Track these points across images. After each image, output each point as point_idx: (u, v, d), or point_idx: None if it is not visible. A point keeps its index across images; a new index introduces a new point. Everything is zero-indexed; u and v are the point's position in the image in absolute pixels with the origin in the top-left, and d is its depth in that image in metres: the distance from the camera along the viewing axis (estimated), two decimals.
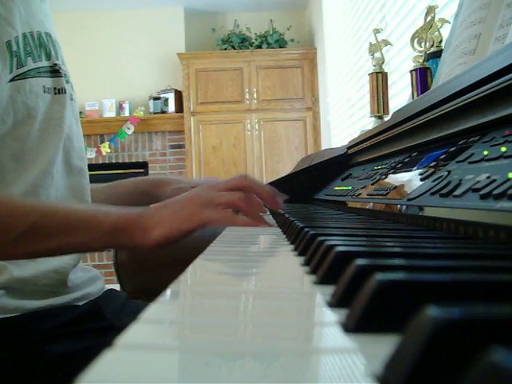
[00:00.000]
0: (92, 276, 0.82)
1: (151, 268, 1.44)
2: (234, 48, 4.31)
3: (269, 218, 0.93)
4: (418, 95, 1.15)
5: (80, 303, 0.76)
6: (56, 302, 0.72)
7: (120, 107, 4.42)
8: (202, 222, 0.62)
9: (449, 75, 0.88)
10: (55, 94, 0.74)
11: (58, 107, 0.74)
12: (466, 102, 0.65)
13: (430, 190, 0.55)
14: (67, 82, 0.78)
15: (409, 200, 0.60)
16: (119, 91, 4.46)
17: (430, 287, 0.20)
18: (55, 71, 0.75)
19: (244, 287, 0.31)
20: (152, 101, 4.35)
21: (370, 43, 1.62)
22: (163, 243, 0.61)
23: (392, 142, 1.03)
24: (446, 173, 0.56)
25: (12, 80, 0.67)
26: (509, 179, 0.41)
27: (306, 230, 0.45)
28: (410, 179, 0.69)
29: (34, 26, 0.72)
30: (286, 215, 0.72)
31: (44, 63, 0.73)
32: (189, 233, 0.62)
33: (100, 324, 0.74)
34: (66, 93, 0.76)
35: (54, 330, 0.69)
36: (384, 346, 0.17)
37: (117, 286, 1.44)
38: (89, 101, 4.39)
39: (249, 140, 4.23)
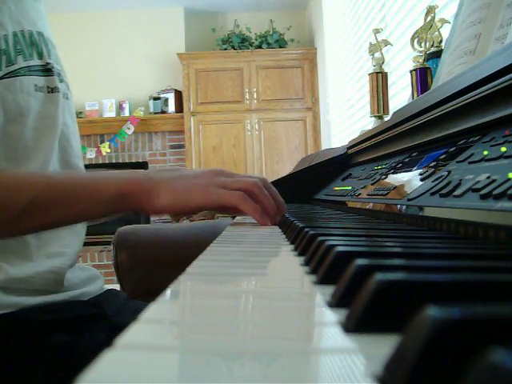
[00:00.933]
0: (91, 275, 0.82)
1: (151, 268, 1.44)
2: (234, 48, 4.31)
3: None
4: (418, 95, 1.15)
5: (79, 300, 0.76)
6: (53, 298, 0.72)
7: (120, 107, 4.42)
8: (212, 200, 0.60)
9: (449, 75, 0.88)
10: (48, 92, 0.74)
11: (51, 106, 0.74)
12: (466, 102, 0.65)
13: (430, 190, 0.55)
14: (61, 81, 0.78)
15: (409, 200, 0.60)
16: (119, 91, 4.46)
17: (430, 287, 0.20)
18: (48, 70, 0.75)
19: (244, 287, 0.31)
20: (152, 101, 4.36)
21: (370, 43, 1.62)
22: (167, 211, 0.60)
23: (392, 142, 1.03)
24: (446, 173, 0.56)
25: (1, 78, 0.67)
26: (509, 179, 0.41)
27: (306, 230, 0.45)
28: (410, 179, 0.69)
29: (25, 24, 0.72)
30: (286, 215, 0.71)
31: (36, 62, 0.73)
32: (195, 207, 0.60)
33: (100, 321, 0.74)
34: (59, 92, 0.76)
35: (53, 323, 0.69)
36: (384, 345, 0.17)
37: (117, 286, 1.44)
38: (89, 101, 4.40)
39: (249, 140, 4.23)
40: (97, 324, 0.73)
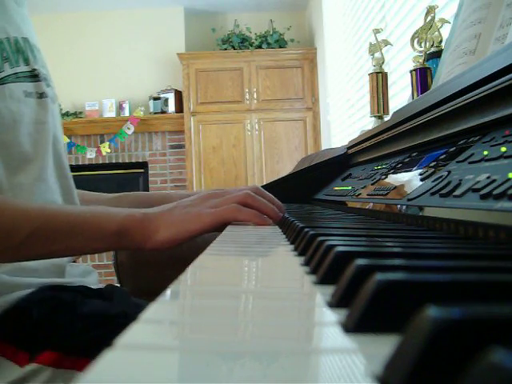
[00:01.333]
0: (85, 269, 0.86)
1: (151, 268, 1.44)
2: (234, 48, 4.31)
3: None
4: (417, 95, 1.15)
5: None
6: (58, 281, 0.75)
7: (120, 107, 4.42)
8: (208, 222, 0.62)
9: (449, 75, 0.88)
10: (37, 98, 0.75)
11: (41, 111, 0.75)
12: (466, 102, 0.65)
13: (430, 190, 0.55)
14: (48, 85, 0.78)
15: (409, 200, 0.60)
16: (119, 91, 4.46)
17: (430, 287, 0.20)
18: (35, 76, 0.75)
19: (244, 287, 0.31)
20: (152, 101, 4.35)
21: (370, 43, 1.62)
22: (169, 245, 0.61)
23: (392, 142, 1.03)
24: (446, 173, 0.56)
25: None
26: (509, 179, 0.41)
27: (306, 229, 0.45)
28: (410, 179, 0.69)
29: (10, 31, 0.73)
30: (286, 215, 0.71)
31: (23, 68, 0.73)
32: (195, 234, 0.62)
33: (111, 308, 0.76)
34: (47, 97, 0.76)
35: (76, 297, 0.71)
36: (384, 346, 0.17)
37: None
38: (89, 101, 4.40)
39: (249, 140, 4.23)
40: (108, 310, 0.75)
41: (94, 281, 0.85)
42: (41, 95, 0.75)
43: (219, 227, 0.64)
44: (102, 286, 0.87)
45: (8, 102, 0.69)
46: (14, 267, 0.69)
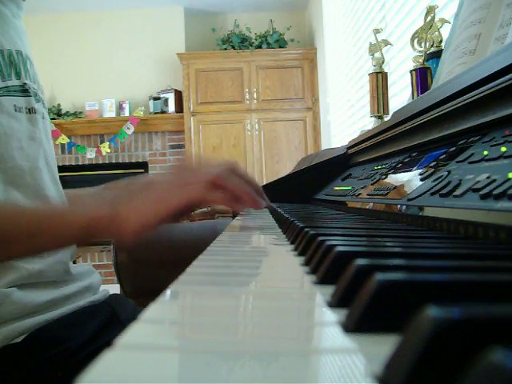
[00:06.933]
0: (87, 268, 0.86)
1: (151, 268, 1.44)
2: (234, 48, 4.31)
3: (269, 218, 0.93)
4: (417, 95, 1.15)
5: (89, 296, 0.79)
6: (64, 292, 0.75)
7: (120, 107, 4.42)
8: (177, 203, 0.58)
9: (449, 75, 0.88)
10: (27, 113, 0.74)
11: (31, 127, 0.74)
12: (466, 102, 0.65)
13: (430, 190, 0.55)
14: (37, 101, 0.78)
15: (409, 200, 0.60)
16: (119, 91, 4.46)
17: (430, 287, 0.20)
18: (25, 90, 0.75)
19: (244, 287, 0.31)
20: (152, 101, 4.35)
21: (370, 43, 1.62)
22: (141, 233, 0.57)
23: (392, 142, 1.03)
24: (446, 173, 0.56)
25: None
26: (509, 179, 0.41)
27: (306, 229, 0.45)
28: (410, 179, 0.69)
29: (5, 44, 0.72)
30: (286, 215, 0.71)
31: (14, 82, 0.73)
32: (165, 216, 0.58)
33: (115, 326, 0.77)
34: (36, 113, 0.76)
35: (71, 339, 0.71)
36: (384, 346, 0.17)
37: (117, 286, 1.44)
38: (89, 101, 4.40)
39: (249, 140, 4.23)
40: (112, 332, 0.75)
41: (98, 279, 0.86)
42: (30, 110, 0.74)
43: (190, 207, 0.61)
44: (104, 290, 0.87)
45: None
46: (22, 276, 0.68)
